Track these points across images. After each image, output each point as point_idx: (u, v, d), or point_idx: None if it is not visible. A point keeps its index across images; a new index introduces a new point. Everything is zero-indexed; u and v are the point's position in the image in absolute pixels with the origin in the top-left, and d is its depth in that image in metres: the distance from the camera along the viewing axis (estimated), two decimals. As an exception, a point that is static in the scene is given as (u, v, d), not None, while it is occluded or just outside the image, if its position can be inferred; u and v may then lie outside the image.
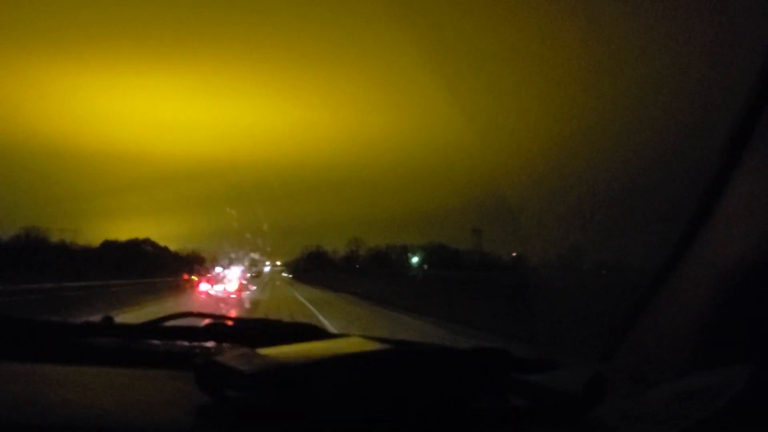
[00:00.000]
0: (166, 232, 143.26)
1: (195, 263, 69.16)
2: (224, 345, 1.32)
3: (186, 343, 1.35)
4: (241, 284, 28.66)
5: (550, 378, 0.95)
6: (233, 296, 24.40)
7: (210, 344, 1.35)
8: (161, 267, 51.65)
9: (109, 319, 1.46)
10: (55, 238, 59.54)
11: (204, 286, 26.89)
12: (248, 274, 76.15)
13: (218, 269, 58.93)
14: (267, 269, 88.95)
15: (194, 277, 34.64)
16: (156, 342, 1.34)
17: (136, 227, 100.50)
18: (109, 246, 67.14)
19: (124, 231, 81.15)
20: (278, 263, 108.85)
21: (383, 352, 0.82)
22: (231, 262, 60.17)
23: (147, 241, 78.77)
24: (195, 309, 8.08)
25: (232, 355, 0.81)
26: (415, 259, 66.30)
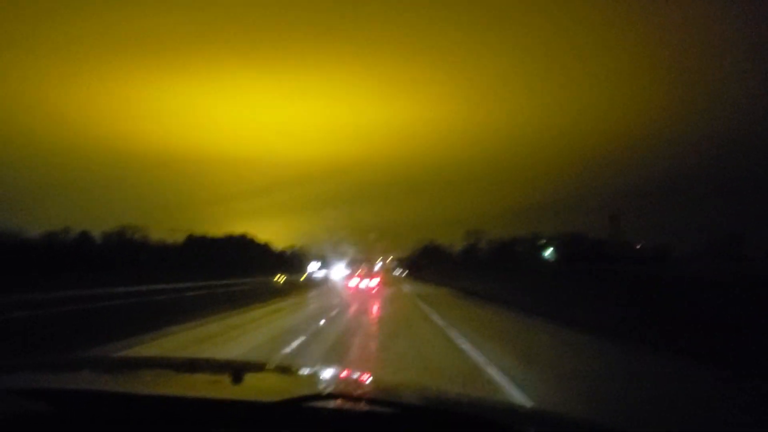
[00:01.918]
0: (277, 232, 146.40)
1: (299, 261, 66.29)
2: None
3: None
4: (381, 282, 34.28)
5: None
6: (374, 291, 28.33)
7: None
8: (261, 265, 48.34)
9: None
10: (154, 236, 59.37)
11: (352, 283, 34.00)
12: (359, 271, 73.01)
13: (312, 266, 56.12)
14: (379, 266, 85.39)
15: (279, 279, 31.76)
16: None
17: (247, 228, 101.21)
18: (194, 242, 64.51)
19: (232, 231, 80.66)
20: (390, 259, 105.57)
21: None
22: (337, 260, 57.07)
23: (243, 238, 75.60)
24: (346, 302, 20.34)
25: None
26: (547, 252, 58.65)
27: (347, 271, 51.26)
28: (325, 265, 57.27)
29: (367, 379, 1.93)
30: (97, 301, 16.61)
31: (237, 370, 1.55)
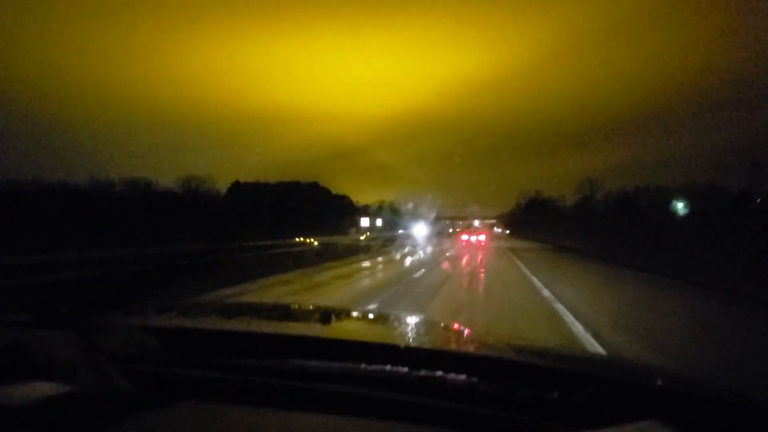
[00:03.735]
0: (366, 190, 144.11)
1: (357, 216, 61.49)
2: None
3: None
4: (487, 236, 39.37)
5: None
6: (483, 243, 32.88)
7: None
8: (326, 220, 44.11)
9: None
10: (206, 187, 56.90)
11: (464, 237, 37.67)
12: (449, 230, 67.48)
13: (364, 222, 52.38)
14: (476, 224, 79.08)
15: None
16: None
17: (339, 188, 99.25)
18: (238, 189, 59.07)
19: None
20: (488, 218, 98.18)
21: None
22: (425, 218, 52.44)
23: (316, 186, 68.53)
24: (459, 252, 23.50)
25: None
26: (679, 205, 49.89)
27: (428, 230, 48.95)
28: (408, 223, 52.91)
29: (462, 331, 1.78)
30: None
31: (342, 315, 1.82)
